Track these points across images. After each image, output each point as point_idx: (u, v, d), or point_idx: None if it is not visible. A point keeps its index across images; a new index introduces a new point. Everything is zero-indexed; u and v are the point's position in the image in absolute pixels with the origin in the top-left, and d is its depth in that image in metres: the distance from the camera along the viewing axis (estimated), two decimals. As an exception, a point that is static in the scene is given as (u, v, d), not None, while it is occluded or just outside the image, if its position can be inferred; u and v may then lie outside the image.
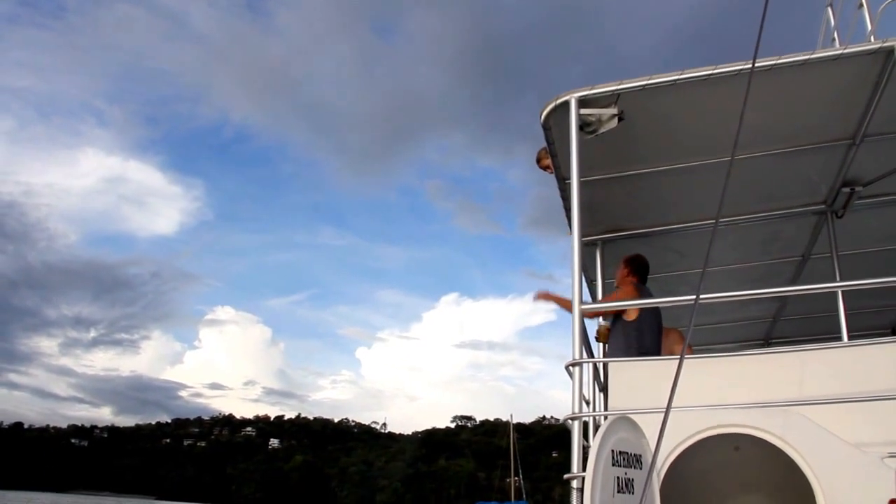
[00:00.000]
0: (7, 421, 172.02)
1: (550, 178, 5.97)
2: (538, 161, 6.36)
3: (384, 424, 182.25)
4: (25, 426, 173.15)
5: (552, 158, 5.46)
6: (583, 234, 4.74)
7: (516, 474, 72.45)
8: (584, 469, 3.81)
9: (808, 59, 4.51)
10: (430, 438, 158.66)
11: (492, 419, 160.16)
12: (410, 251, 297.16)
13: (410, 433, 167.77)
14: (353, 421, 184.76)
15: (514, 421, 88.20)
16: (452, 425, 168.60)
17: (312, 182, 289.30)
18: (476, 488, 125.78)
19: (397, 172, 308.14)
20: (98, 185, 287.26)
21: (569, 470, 4.11)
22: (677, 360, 4.07)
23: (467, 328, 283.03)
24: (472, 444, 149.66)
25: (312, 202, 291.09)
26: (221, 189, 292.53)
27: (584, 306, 4.72)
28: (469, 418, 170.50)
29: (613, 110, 4.90)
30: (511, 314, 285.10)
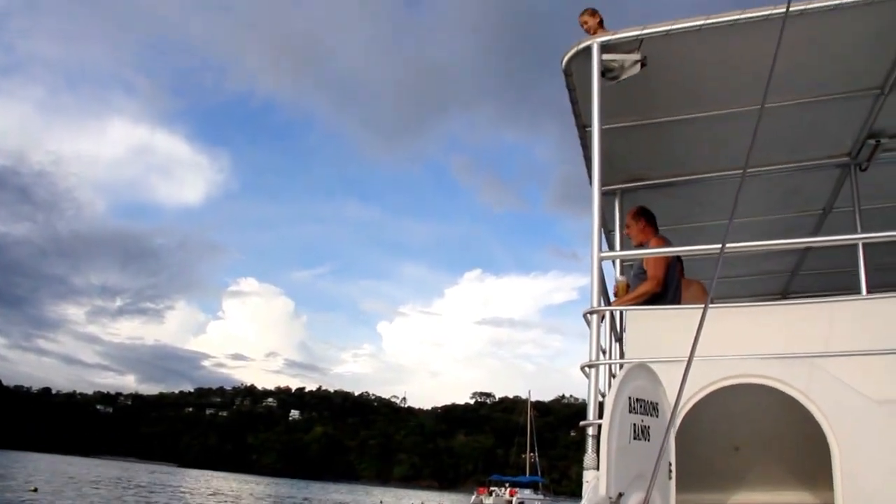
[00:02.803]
0: (36, 386, 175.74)
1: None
2: (580, 16, 6.17)
3: (404, 399, 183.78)
4: (53, 391, 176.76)
5: (572, 105, 5.37)
6: (602, 183, 4.67)
7: (532, 450, 72.83)
8: (599, 417, 3.79)
9: (840, 4, 4.40)
10: (450, 414, 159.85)
11: (511, 396, 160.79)
12: (434, 226, 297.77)
13: (430, 408, 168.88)
14: (373, 394, 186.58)
15: (534, 399, 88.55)
16: (472, 401, 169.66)
17: (338, 155, 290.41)
18: (494, 464, 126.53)
19: (423, 147, 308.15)
20: (126, 154, 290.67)
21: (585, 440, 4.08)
22: (694, 310, 4.02)
23: (489, 305, 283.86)
24: (491, 421, 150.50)
25: (338, 175, 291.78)
26: (247, 160, 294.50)
27: (602, 254, 4.68)
28: (489, 395, 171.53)
29: (636, 56, 4.82)
30: (534, 292, 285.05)
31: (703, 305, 3.36)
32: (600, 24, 5.94)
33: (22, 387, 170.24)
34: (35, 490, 35.06)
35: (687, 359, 3.23)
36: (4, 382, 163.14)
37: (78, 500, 32.04)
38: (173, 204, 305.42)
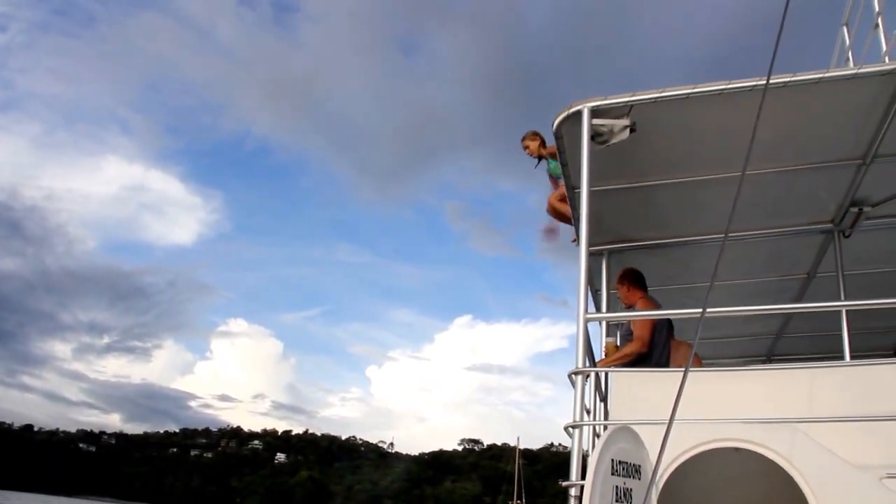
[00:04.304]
0: (18, 423, 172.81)
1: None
2: (522, 140, 6.82)
3: (391, 444, 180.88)
4: (35, 429, 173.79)
5: (562, 167, 5.48)
6: (590, 243, 4.74)
7: (519, 498, 71.90)
8: (582, 478, 3.81)
9: (822, 78, 4.52)
10: (437, 460, 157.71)
11: (500, 444, 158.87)
12: (425, 271, 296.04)
13: (417, 454, 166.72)
14: (360, 439, 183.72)
15: (522, 446, 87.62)
16: (460, 448, 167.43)
17: (331, 198, 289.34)
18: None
19: (416, 191, 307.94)
20: (119, 192, 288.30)
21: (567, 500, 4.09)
22: (678, 373, 4.07)
23: (479, 351, 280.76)
24: (479, 468, 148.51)
25: (331, 218, 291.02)
26: (241, 201, 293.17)
27: (588, 315, 4.73)
28: (477, 441, 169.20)
29: (625, 121, 4.91)
30: (524, 339, 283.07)
31: (684, 369, 3.41)
32: (542, 144, 6.58)
33: (3, 423, 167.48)
34: None
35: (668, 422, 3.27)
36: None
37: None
38: (164, 243, 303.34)
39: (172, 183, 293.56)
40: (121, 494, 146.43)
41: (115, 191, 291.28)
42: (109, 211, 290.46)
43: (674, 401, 3.24)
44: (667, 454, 4.06)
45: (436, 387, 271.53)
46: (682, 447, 4.21)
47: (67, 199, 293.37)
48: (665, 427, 3.22)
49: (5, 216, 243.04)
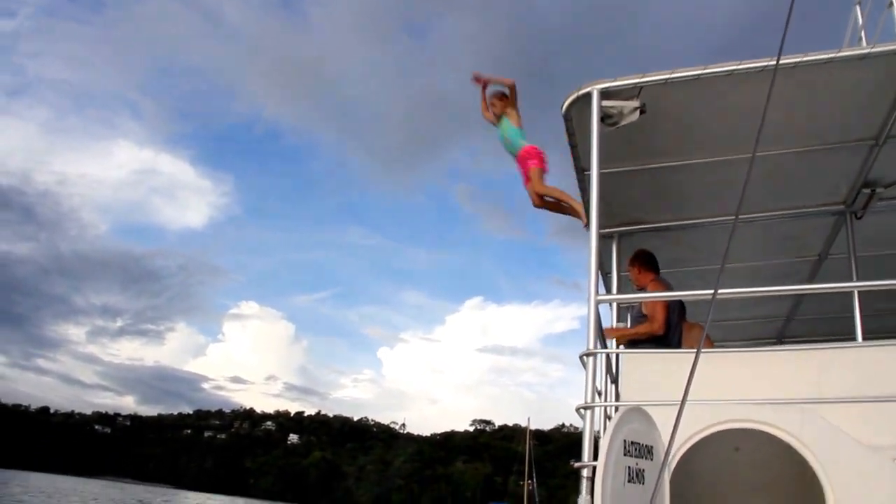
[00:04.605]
0: (34, 405, 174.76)
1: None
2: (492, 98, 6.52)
3: (403, 425, 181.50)
4: (51, 411, 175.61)
5: (572, 149, 5.46)
6: (600, 226, 4.75)
7: (530, 478, 71.98)
8: (594, 458, 3.84)
9: (834, 58, 4.48)
10: (449, 441, 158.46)
11: (511, 424, 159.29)
12: (436, 254, 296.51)
13: (429, 435, 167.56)
14: (372, 420, 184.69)
15: (534, 427, 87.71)
16: (471, 429, 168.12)
17: (342, 181, 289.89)
18: (493, 492, 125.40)
19: (427, 174, 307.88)
20: (130, 176, 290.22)
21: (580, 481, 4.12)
22: (690, 354, 4.08)
23: (490, 332, 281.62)
24: (491, 449, 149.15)
25: (341, 201, 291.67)
26: (251, 185, 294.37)
27: (599, 297, 4.74)
28: (488, 422, 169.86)
29: (635, 103, 4.89)
30: (535, 320, 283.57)
31: (696, 350, 3.42)
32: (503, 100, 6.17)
33: (20, 405, 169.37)
34: None
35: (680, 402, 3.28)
36: (3, 401, 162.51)
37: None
38: (176, 226, 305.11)
39: (183, 167, 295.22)
40: (136, 475, 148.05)
41: (126, 175, 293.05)
42: (121, 195, 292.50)
43: (686, 382, 3.25)
44: (679, 435, 4.10)
45: (447, 368, 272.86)
46: (694, 428, 4.23)
47: (80, 183, 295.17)
48: (677, 408, 3.24)
49: (19, 201, 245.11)
